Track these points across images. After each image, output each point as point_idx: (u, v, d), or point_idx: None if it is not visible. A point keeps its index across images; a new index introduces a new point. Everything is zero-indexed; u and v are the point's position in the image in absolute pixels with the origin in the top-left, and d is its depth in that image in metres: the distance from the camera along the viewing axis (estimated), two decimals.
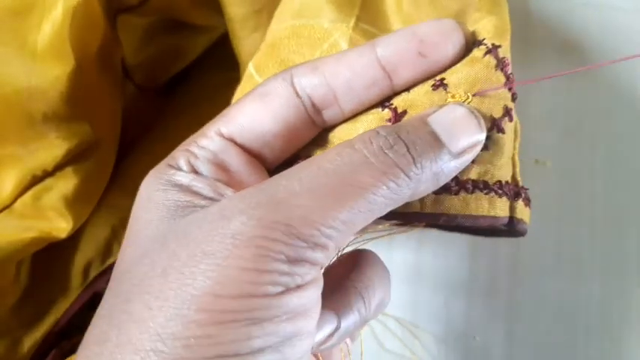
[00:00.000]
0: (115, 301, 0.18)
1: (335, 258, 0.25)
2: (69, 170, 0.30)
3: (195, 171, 0.20)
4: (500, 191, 0.22)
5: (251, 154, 0.21)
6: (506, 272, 0.36)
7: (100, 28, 0.30)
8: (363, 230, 0.26)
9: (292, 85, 0.21)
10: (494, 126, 0.22)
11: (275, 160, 0.22)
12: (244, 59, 0.33)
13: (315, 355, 0.25)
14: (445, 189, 0.21)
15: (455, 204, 0.22)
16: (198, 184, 0.20)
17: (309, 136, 0.23)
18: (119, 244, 0.34)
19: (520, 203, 0.23)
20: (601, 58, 0.36)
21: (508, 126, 0.22)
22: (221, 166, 0.21)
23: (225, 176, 0.21)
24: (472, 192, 0.22)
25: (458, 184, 0.22)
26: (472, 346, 0.36)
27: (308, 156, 0.22)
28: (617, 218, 0.35)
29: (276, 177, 0.19)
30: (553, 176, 0.36)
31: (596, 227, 0.35)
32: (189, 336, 0.16)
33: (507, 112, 0.22)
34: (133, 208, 0.20)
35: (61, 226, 0.30)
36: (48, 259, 0.33)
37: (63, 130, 0.29)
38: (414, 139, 0.19)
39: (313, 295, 0.18)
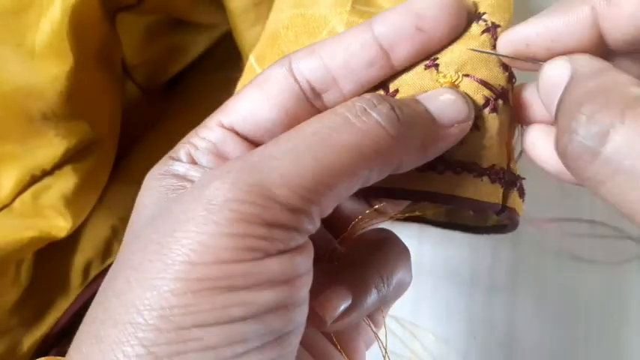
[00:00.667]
0: (105, 284, 0.18)
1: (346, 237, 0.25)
2: (68, 169, 0.30)
3: (194, 162, 0.20)
4: (493, 176, 0.21)
5: (252, 143, 0.21)
6: (506, 272, 0.36)
7: (99, 26, 0.30)
8: (367, 221, 0.26)
9: (290, 70, 0.21)
10: (486, 105, 0.21)
11: None
12: (247, 52, 0.33)
13: (330, 339, 0.24)
14: (430, 167, 0.21)
15: (439, 182, 0.21)
16: (194, 173, 0.20)
17: None
18: (119, 243, 0.34)
19: (514, 193, 0.22)
20: None
21: (501, 106, 0.21)
22: (221, 157, 0.21)
23: None
24: (459, 173, 0.21)
25: (444, 164, 0.21)
26: (472, 346, 0.36)
27: None
28: (617, 218, 0.35)
29: (252, 151, 0.18)
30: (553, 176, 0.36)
31: (596, 227, 0.35)
32: (164, 306, 0.16)
33: (502, 92, 0.21)
34: (136, 200, 0.20)
35: (61, 225, 0.30)
36: (48, 259, 0.33)
37: (62, 128, 0.29)
38: (400, 104, 0.19)
39: (299, 262, 0.17)
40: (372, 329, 0.25)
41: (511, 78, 0.22)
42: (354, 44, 0.21)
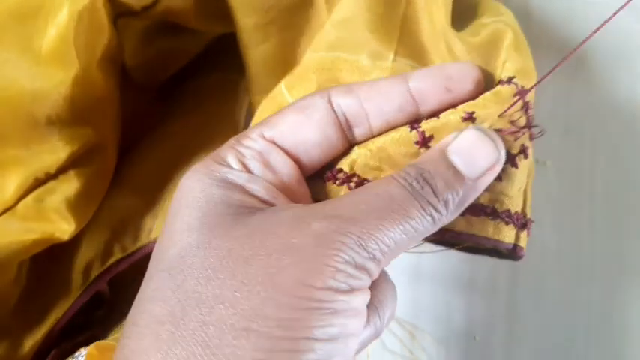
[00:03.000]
0: (178, 285, 0.19)
1: None
2: (72, 173, 0.30)
3: (246, 169, 0.23)
4: (507, 219, 0.25)
5: (291, 158, 0.24)
6: (506, 272, 0.37)
7: (105, 32, 0.30)
8: None
9: (330, 102, 0.24)
10: (509, 161, 0.24)
11: (309, 169, 0.25)
12: (253, 69, 0.34)
13: None
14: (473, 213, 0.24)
15: (460, 223, 0.24)
16: (253, 187, 0.22)
17: (341, 149, 0.25)
18: (120, 245, 0.34)
19: (524, 233, 0.25)
20: (601, 58, 0.36)
21: (522, 162, 0.24)
22: (267, 165, 0.23)
23: (273, 176, 0.23)
24: (478, 215, 0.24)
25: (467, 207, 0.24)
26: (472, 346, 0.36)
27: (336, 166, 0.25)
28: (617, 218, 0.35)
29: (339, 198, 0.22)
30: (553, 176, 0.36)
31: (596, 227, 0.35)
32: (282, 317, 0.18)
33: (523, 150, 0.24)
34: (179, 197, 0.22)
35: (64, 228, 0.30)
36: (49, 260, 0.33)
37: (66, 133, 0.29)
38: (436, 181, 0.22)
39: (365, 300, 0.21)
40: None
41: (532, 137, 0.25)
42: (389, 91, 0.24)
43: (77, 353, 0.27)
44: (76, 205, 0.30)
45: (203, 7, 0.33)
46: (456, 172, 0.22)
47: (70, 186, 0.30)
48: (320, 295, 0.19)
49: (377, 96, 0.24)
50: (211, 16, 0.34)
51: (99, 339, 0.31)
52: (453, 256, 0.37)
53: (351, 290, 0.20)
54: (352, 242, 0.20)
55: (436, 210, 0.22)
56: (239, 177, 0.22)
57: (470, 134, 0.23)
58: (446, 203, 0.22)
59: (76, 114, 0.29)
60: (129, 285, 0.36)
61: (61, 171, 0.30)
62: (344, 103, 0.24)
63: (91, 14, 0.28)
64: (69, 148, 0.30)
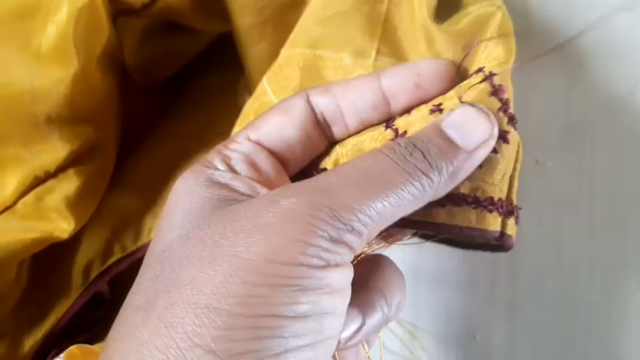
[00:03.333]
0: (157, 275, 0.20)
1: (355, 261, 0.26)
2: (71, 172, 0.30)
3: (232, 170, 0.23)
4: (490, 207, 0.24)
5: (276, 157, 0.24)
6: (506, 272, 0.37)
7: (105, 30, 0.30)
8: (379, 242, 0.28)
9: (308, 102, 0.25)
10: None
11: (294, 168, 0.25)
12: (251, 68, 0.35)
13: (333, 356, 0.26)
14: (434, 201, 0.23)
15: (441, 214, 0.24)
16: (237, 183, 0.22)
17: (322, 147, 0.26)
18: (119, 244, 0.34)
19: (512, 221, 0.24)
20: (601, 58, 0.36)
21: (503, 148, 0.24)
22: (253, 165, 0.24)
23: (258, 175, 0.23)
24: (460, 205, 0.24)
25: (446, 197, 0.23)
26: (472, 346, 0.36)
27: (320, 165, 0.26)
28: (617, 218, 0.35)
29: (314, 177, 0.22)
30: (553, 176, 0.36)
31: (596, 227, 0.35)
32: (244, 295, 0.18)
33: (503, 135, 0.23)
34: (169, 201, 0.23)
35: (63, 227, 0.30)
36: (49, 260, 0.33)
37: (66, 132, 0.30)
38: (429, 147, 0.22)
39: (347, 276, 0.20)
40: (364, 349, 0.28)
41: (512, 121, 0.24)
42: (362, 89, 0.25)
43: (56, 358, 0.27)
44: (75, 204, 0.30)
45: (201, 4, 0.33)
46: (450, 142, 0.22)
47: (69, 185, 0.30)
48: (286, 271, 0.18)
49: (351, 95, 0.25)
50: (210, 13, 0.34)
51: (99, 339, 0.31)
52: (453, 256, 0.37)
53: (327, 266, 0.19)
54: (324, 215, 0.19)
55: (426, 176, 0.21)
56: (224, 176, 0.23)
57: (464, 109, 0.23)
58: (439, 170, 0.22)
59: (75, 112, 0.29)
60: (129, 285, 0.36)
61: (61, 169, 0.30)
62: (321, 102, 0.25)
63: (90, 12, 0.28)
64: (68, 146, 0.30)
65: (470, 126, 0.23)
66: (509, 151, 0.24)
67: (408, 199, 0.21)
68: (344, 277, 0.20)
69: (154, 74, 0.39)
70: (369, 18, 0.29)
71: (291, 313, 0.18)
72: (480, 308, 0.36)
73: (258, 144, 0.24)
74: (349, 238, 0.20)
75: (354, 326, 0.24)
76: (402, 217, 0.23)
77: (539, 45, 0.37)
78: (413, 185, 0.21)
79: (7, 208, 0.29)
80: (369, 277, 0.25)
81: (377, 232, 0.21)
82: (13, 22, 0.28)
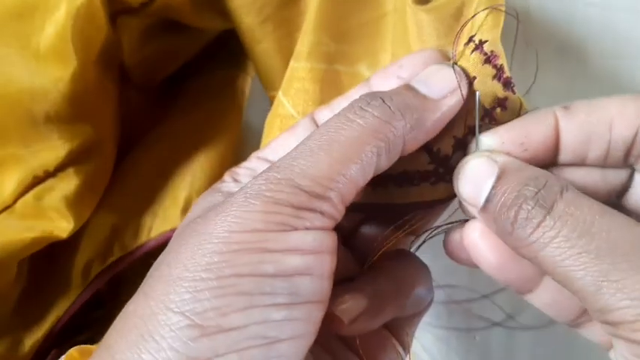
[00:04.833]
0: (152, 270, 0.22)
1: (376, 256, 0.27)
2: (70, 171, 0.31)
3: (237, 182, 0.25)
4: (437, 176, 0.24)
5: None
6: None
7: (103, 29, 0.31)
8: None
9: (313, 119, 0.27)
10: (485, 116, 0.24)
11: None
12: (260, 67, 0.35)
13: (358, 354, 0.26)
14: (409, 182, 0.25)
15: (414, 192, 0.25)
16: (237, 189, 0.23)
17: None
18: (120, 243, 0.34)
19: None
20: (601, 58, 0.36)
21: (499, 115, 0.24)
22: None
23: None
24: (435, 183, 0.24)
25: (401, 177, 0.25)
26: (472, 345, 0.36)
27: None
28: None
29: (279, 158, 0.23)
30: None
31: None
32: (209, 262, 0.19)
33: (499, 101, 0.24)
34: (187, 217, 0.25)
35: (63, 226, 0.30)
36: (49, 259, 0.33)
37: (65, 131, 0.30)
38: (391, 95, 0.23)
39: (322, 238, 0.21)
40: (399, 350, 0.28)
41: (509, 86, 0.24)
42: (354, 96, 0.25)
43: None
44: (74, 203, 0.30)
45: (200, 3, 0.33)
46: (416, 92, 0.23)
47: (68, 184, 0.30)
48: (247, 237, 0.20)
49: (345, 103, 0.25)
50: (208, 12, 0.34)
51: (99, 339, 0.31)
52: None
53: (294, 229, 0.20)
54: (282, 185, 0.20)
55: (386, 121, 0.22)
56: (229, 186, 0.25)
57: (430, 67, 0.24)
58: (402, 114, 0.22)
59: (74, 111, 0.29)
60: (129, 285, 0.36)
61: (60, 169, 0.30)
62: (323, 115, 0.26)
63: (88, 11, 0.28)
64: (68, 145, 0.30)
65: (435, 77, 0.24)
66: (506, 117, 0.24)
67: (372, 151, 0.21)
68: (316, 239, 0.21)
69: (153, 73, 0.39)
70: (382, 28, 0.30)
71: (256, 271, 0.20)
72: (480, 308, 0.36)
73: (266, 160, 0.26)
74: (315, 204, 0.21)
75: (355, 306, 0.24)
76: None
77: (540, 45, 0.37)
78: (370, 134, 0.21)
79: (6, 208, 0.29)
80: (383, 267, 0.26)
81: (352, 193, 0.21)
82: (11, 22, 0.28)
